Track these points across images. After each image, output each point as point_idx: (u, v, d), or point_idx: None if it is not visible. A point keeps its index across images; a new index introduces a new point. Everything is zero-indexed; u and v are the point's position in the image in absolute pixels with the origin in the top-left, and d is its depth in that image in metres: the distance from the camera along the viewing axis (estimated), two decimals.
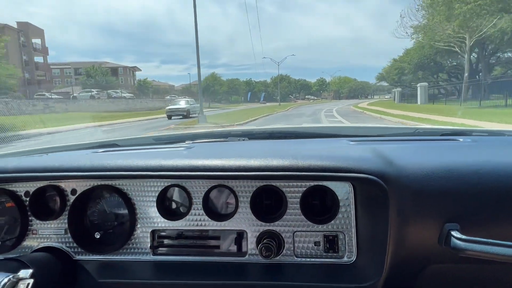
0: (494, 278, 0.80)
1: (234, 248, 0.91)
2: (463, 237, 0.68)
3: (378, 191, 0.71)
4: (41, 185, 0.95)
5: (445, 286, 0.87)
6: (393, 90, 48.64)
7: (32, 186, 0.95)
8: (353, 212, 0.86)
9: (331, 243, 0.87)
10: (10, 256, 0.86)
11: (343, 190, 0.87)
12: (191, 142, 1.36)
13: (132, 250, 0.94)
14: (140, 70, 72.68)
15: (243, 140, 1.35)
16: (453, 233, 0.69)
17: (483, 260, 0.69)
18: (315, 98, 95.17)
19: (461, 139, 1.08)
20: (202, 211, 0.91)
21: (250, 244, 0.90)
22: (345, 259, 0.86)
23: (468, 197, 0.73)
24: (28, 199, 0.96)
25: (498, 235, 0.71)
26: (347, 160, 0.74)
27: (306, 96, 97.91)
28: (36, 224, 0.96)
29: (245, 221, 0.90)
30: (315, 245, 0.88)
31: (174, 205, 0.95)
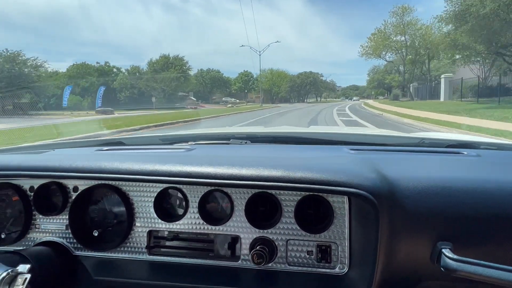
0: None
1: (227, 252, 0.92)
2: (455, 257, 0.67)
3: (370, 206, 0.71)
4: (45, 181, 0.98)
5: None
6: (410, 85, 44.34)
7: (36, 182, 0.99)
8: (347, 224, 0.86)
9: (324, 253, 0.87)
10: (12, 249, 0.90)
11: (338, 201, 0.86)
12: (193, 143, 1.38)
13: (129, 249, 0.96)
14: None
15: (245, 143, 1.36)
16: (445, 252, 0.68)
17: (476, 281, 0.67)
18: (237, 101, 62.08)
19: (465, 152, 1.06)
20: (197, 214, 0.92)
21: (244, 250, 0.91)
22: (337, 270, 0.86)
23: (463, 216, 0.71)
24: (32, 194, 0.99)
25: (493, 257, 0.69)
26: (338, 173, 0.74)
27: (224, 99, 62.97)
28: (39, 218, 1.00)
29: (239, 226, 0.91)
30: (307, 254, 0.88)
31: (171, 207, 0.97)
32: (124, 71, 57.13)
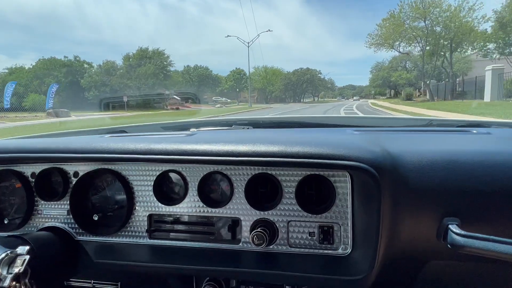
0: (497, 278, 0.75)
1: (228, 235, 0.91)
2: (462, 232, 0.63)
3: (371, 181, 0.68)
4: (46, 167, 0.98)
5: (447, 283, 0.83)
6: (428, 82, 36.19)
7: (37, 168, 0.99)
8: (349, 203, 0.83)
9: (326, 234, 0.85)
10: (16, 233, 0.90)
11: (340, 180, 0.84)
12: (195, 129, 1.36)
13: (129, 233, 0.96)
14: None
15: (247, 128, 1.34)
16: (452, 228, 0.65)
17: (485, 259, 0.64)
18: (228, 100, 56.27)
19: (475, 130, 1.01)
20: (197, 197, 0.91)
21: (244, 232, 0.89)
22: (340, 251, 0.84)
23: (471, 191, 0.68)
24: (34, 180, 1.00)
25: (502, 232, 0.66)
26: (337, 147, 0.71)
27: (214, 98, 57.34)
28: (41, 204, 1.00)
29: (239, 208, 0.89)
30: (309, 236, 0.86)
31: (171, 191, 0.96)
32: (96, 66, 48.44)
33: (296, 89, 74.76)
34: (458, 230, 0.64)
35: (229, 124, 1.43)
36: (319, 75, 77.19)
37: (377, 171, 0.66)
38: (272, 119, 1.59)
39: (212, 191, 0.93)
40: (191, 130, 1.37)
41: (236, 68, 72.90)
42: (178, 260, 0.88)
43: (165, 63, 47.89)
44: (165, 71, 47.24)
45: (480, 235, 0.62)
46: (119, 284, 1.07)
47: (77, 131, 1.46)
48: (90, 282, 1.07)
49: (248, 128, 1.34)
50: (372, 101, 57.92)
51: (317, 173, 0.84)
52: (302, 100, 77.63)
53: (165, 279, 0.98)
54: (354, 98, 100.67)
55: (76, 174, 0.98)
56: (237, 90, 70.33)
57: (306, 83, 74.32)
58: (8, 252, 0.72)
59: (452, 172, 0.68)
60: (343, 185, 0.83)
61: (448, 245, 0.65)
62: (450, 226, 0.66)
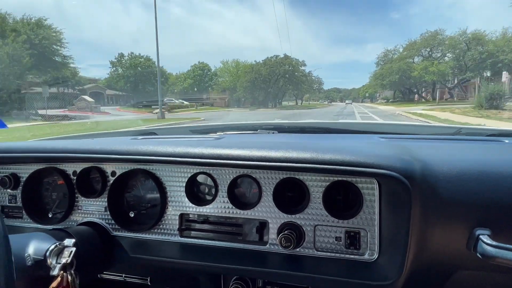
0: None
1: (256, 236, 0.94)
2: (494, 243, 0.64)
3: (401, 189, 0.69)
4: (86, 166, 1.05)
5: None
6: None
7: (78, 167, 1.07)
8: (377, 210, 0.84)
9: (353, 239, 0.87)
10: (59, 227, 0.97)
11: (368, 187, 0.85)
12: (222, 133, 1.41)
13: (162, 231, 1.01)
14: None
15: (273, 133, 1.37)
16: (483, 238, 0.65)
17: None
18: (183, 103, 38.49)
19: (507, 140, 0.99)
20: (227, 199, 0.95)
21: (271, 234, 0.92)
22: (366, 256, 0.85)
23: (503, 201, 0.68)
24: (75, 178, 1.07)
25: None
26: (368, 155, 0.73)
27: (167, 100, 37.09)
28: (82, 200, 1.07)
29: (267, 211, 0.92)
30: (336, 240, 0.88)
31: (201, 192, 1.01)
32: None
33: (269, 87, 48.71)
34: (489, 241, 0.64)
35: (254, 128, 1.47)
36: (302, 68, 51.83)
37: (407, 179, 0.68)
38: (297, 124, 1.61)
39: (241, 193, 0.97)
40: (218, 133, 1.42)
41: (199, 62, 54.37)
42: (207, 258, 0.92)
43: (52, 38, 29.74)
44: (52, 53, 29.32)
45: (511, 247, 0.63)
46: (148, 278, 1.13)
47: (111, 132, 1.55)
48: (121, 276, 1.13)
49: (273, 133, 1.38)
50: (386, 107, 37.83)
51: (344, 179, 0.86)
52: (279, 103, 53.66)
53: (194, 276, 1.03)
54: (347, 101, 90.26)
55: (113, 173, 1.05)
56: (195, 89, 52.28)
57: (283, 79, 49.01)
58: (57, 243, 0.78)
59: (483, 182, 0.69)
60: (371, 191, 0.85)
61: (479, 255, 0.65)
62: (481, 236, 0.66)
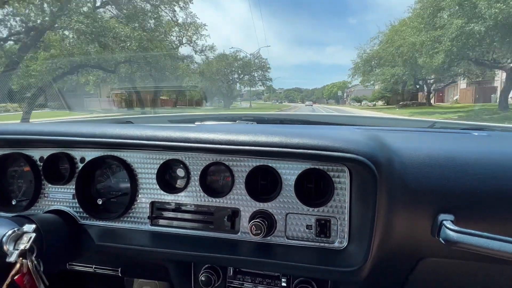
0: (489, 277, 0.76)
1: (227, 224, 0.93)
2: (456, 228, 0.65)
3: (369, 175, 0.69)
4: (54, 151, 1.01)
5: (441, 281, 0.84)
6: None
7: (46, 153, 1.02)
8: (347, 198, 0.84)
9: (323, 227, 0.87)
10: (22, 214, 0.93)
11: (339, 175, 0.85)
12: (200, 123, 1.39)
13: (132, 219, 0.98)
14: None
15: (251, 123, 1.36)
16: (446, 224, 0.66)
17: (479, 257, 0.65)
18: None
19: (476, 133, 1.02)
20: (199, 187, 0.93)
21: (243, 222, 0.91)
22: (336, 244, 0.85)
23: (467, 188, 0.69)
24: (42, 164, 1.03)
25: (495, 230, 0.67)
26: (337, 140, 0.73)
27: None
28: (48, 188, 1.03)
29: (239, 199, 0.91)
30: (307, 228, 0.88)
31: (173, 179, 0.98)
32: None
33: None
34: (452, 226, 0.66)
35: (234, 119, 1.45)
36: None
37: (374, 164, 0.68)
38: (277, 116, 1.61)
39: (213, 181, 0.96)
40: (196, 123, 1.40)
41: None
42: (177, 246, 0.90)
43: None
44: None
45: (474, 232, 0.64)
46: (119, 269, 1.10)
47: (84, 120, 1.50)
48: (91, 267, 1.10)
49: (252, 124, 1.36)
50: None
51: (316, 167, 0.86)
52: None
53: (164, 266, 1.01)
54: (307, 103, 76.84)
55: (82, 159, 1.01)
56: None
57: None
58: (15, 229, 0.75)
59: (448, 169, 0.70)
60: (342, 180, 0.85)
61: (442, 241, 0.66)
62: (444, 222, 0.67)
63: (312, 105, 64.15)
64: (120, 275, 1.10)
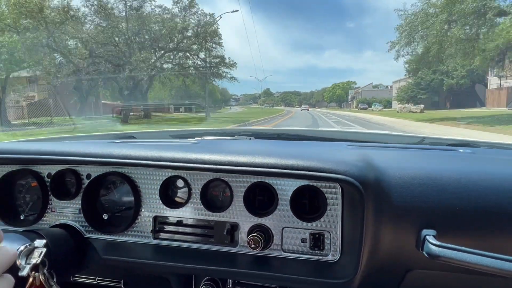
0: None
1: (227, 238, 0.98)
2: (438, 243, 0.70)
3: (357, 194, 0.75)
4: (61, 168, 1.07)
5: None
6: None
7: (53, 169, 1.08)
8: (339, 213, 0.90)
9: (317, 241, 0.92)
10: (30, 228, 0.98)
11: (332, 191, 0.91)
12: (200, 138, 1.45)
13: (135, 233, 1.03)
14: None
15: (250, 139, 1.42)
16: (429, 238, 0.72)
17: (463, 270, 0.71)
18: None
19: (461, 149, 1.08)
20: (199, 202, 0.99)
21: (242, 236, 0.96)
22: (329, 257, 0.90)
23: (448, 205, 0.75)
24: (49, 180, 1.08)
25: (475, 245, 0.72)
26: (328, 161, 0.79)
27: None
28: (55, 202, 1.08)
29: (238, 214, 0.97)
30: (302, 242, 0.93)
31: (175, 195, 1.04)
32: None
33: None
34: (434, 241, 0.71)
35: (232, 134, 1.51)
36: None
37: (361, 184, 0.74)
38: (274, 131, 1.67)
39: (213, 197, 1.01)
40: (196, 138, 1.46)
41: None
42: (179, 259, 0.95)
43: None
44: None
45: (454, 246, 0.69)
46: (122, 281, 1.14)
47: (88, 135, 1.55)
48: (94, 279, 1.14)
49: (250, 139, 1.42)
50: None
51: (310, 184, 0.91)
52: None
53: (166, 278, 1.05)
54: (302, 107, 72.00)
55: (88, 176, 1.06)
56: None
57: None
58: (27, 244, 0.79)
59: (430, 188, 0.76)
60: (334, 196, 0.90)
61: (425, 254, 0.72)
62: (427, 237, 0.72)
63: (308, 109, 60.87)
64: (122, 287, 1.14)
